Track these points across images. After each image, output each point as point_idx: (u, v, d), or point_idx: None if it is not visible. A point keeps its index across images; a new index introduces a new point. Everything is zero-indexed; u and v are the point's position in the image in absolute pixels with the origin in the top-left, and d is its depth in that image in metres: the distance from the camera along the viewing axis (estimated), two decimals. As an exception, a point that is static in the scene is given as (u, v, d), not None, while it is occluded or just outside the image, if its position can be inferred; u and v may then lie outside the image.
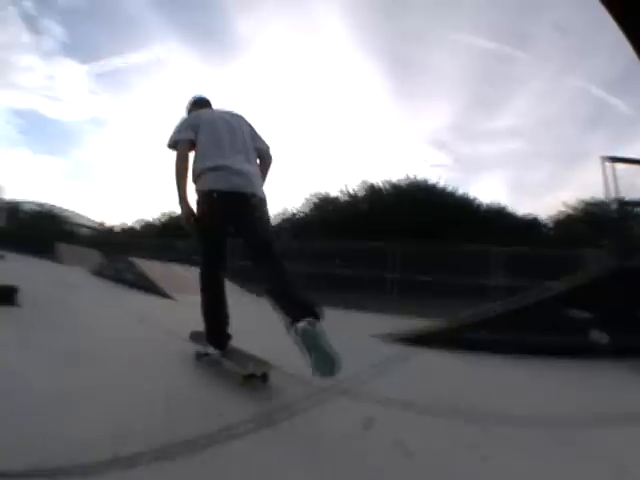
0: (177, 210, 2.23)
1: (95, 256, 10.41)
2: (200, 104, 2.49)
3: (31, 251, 11.85)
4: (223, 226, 2.11)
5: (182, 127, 2.21)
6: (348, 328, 3.82)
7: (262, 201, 2.14)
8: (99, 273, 7.59)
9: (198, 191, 2.09)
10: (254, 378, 1.86)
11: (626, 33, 1.68)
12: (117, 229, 21.70)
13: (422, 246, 8.96)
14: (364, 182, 13.90)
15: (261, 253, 2.04)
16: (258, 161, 2.28)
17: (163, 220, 19.26)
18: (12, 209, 17.75)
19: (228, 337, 2.15)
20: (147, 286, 5.94)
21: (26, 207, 18.48)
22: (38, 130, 34.80)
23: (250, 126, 2.33)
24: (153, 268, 6.75)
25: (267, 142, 2.37)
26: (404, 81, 29.87)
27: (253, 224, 2.07)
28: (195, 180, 2.12)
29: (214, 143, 2.11)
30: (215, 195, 2.02)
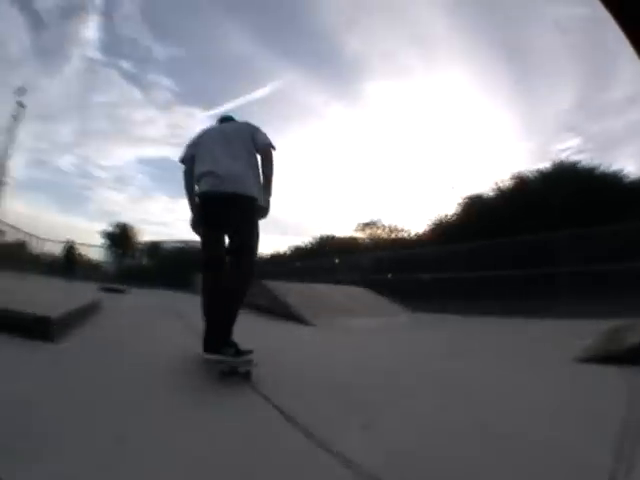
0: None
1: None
2: (220, 121, 2.68)
3: (172, 285, 13.16)
4: (212, 227, 2.30)
5: (187, 145, 2.54)
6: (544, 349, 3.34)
7: (246, 199, 2.24)
8: None
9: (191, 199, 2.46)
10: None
11: (623, 28, 1.49)
12: (266, 256, 21.67)
13: (594, 232, 7.25)
14: (512, 174, 12.85)
15: (233, 251, 2.25)
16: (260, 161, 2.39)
17: (312, 243, 19.60)
18: (152, 248, 19.49)
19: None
20: (282, 311, 5.49)
21: (167, 246, 19.82)
22: (171, 175, 40.50)
23: (253, 131, 2.43)
24: (290, 290, 6.27)
25: (267, 140, 2.42)
26: (517, 70, 28.68)
27: (229, 220, 2.24)
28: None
29: (207, 154, 2.34)
30: (199, 198, 2.32)
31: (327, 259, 15.26)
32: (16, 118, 23.90)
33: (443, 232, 13.18)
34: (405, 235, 18.12)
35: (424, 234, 15.84)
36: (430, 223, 15.20)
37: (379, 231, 20.85)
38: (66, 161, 51.11)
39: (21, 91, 24.72)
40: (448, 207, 15.78)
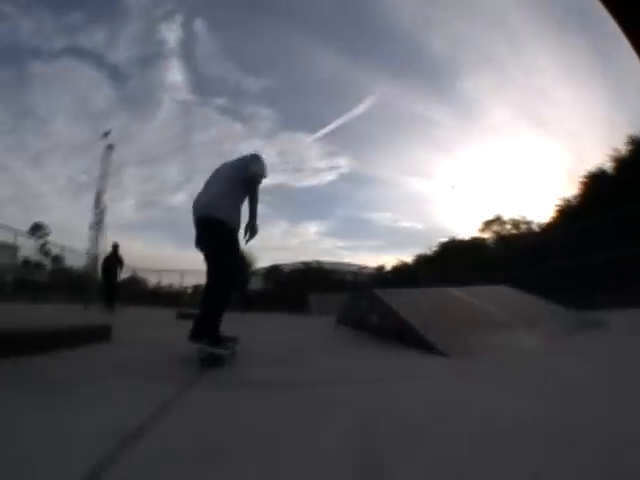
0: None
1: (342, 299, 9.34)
2: None
3: (290, 308, 12.90)
4: (198, 245, 2.83)
5: None
6: None
7: (219, 224, 2.67)
8: (342, 319, 5.98)
9: None
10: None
11: (623, 28, 1.42)
12: (388, 267, 21.41)
13: None
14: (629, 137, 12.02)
15: (207, 271, 2.74)
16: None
17: (436, 249, 18.82)
18: (270, 272, 19.81)
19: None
20: (395, 331, 3.69)
21: (286, 268, 20.20)
22: (289, 201, 42.76)
23: (248, 161, 2.86)
24: (409, 301, 4.39)
25: (254, 168, 2.80)
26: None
27: (204, 242, 2.78)
28: None
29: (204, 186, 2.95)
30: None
31: (450, 264, 13.81)
32: (105, 159, 27.85)
33: (570, 216, 12.32)
34: (532, 226, 17.04)
35: (551, 222, 14.85)
36: (555, 209, 14.42)
37: (505, 226, 19.43)
38: (178, 199, 58.75)
39: (107, 134, 28.77)
40: (568, 191, 15.66)
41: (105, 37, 47.14)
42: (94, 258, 20.66)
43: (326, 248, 48.19)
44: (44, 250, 20.00)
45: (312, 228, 47.36)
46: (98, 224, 25.44)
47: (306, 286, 14.92)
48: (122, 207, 48.81)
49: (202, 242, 2.78)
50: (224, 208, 2.70)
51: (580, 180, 13.33)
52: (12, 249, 14.07)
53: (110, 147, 28.58)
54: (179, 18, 44.55)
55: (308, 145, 45.78)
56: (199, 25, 45.56)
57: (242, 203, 2.84)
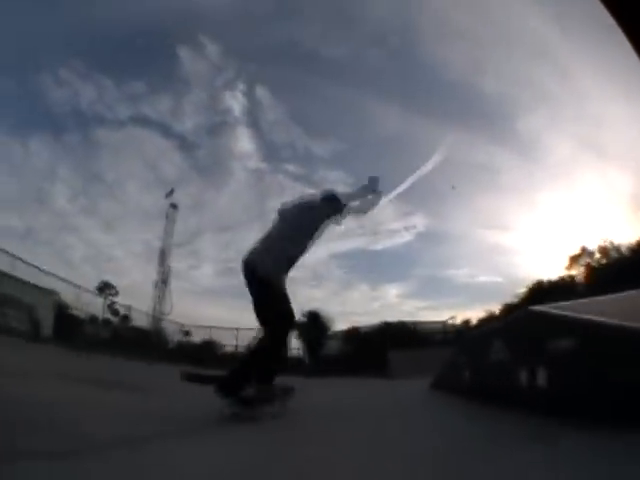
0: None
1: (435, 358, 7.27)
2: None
3: (365, 370, 11.62)
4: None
5: None
6: None
7: (265, 278, 2.77)
8: (438, 384, 4.85)
9: None
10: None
11: (622, 27, 1.41)
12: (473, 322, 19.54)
13: None
14: None
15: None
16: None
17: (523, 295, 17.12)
18: (349, 335, 18.25)
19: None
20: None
21: (365, 330, 18.57)
22: (367, 265, 41.83)
23: (299, 211, 3.02)
24: None
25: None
26: None
27: (254, 294, 2.84)
28: None
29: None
30: None
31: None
32: (170, 218, 28.65)
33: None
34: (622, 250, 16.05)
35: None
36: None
37: (594, 257, 17.94)
38: None
39: (170, 193, 29.77)
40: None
41: (169, 106, 53.93)
42: (158, 317, 20.73)
43: (407, 310, 45.16)
44: (112, 309, 21.36)
45: (392, 290, 45.58)
46: (163, 283, 26.13)
47: (386, 346, 13.27)
48: (201, 274, 52.27)
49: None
50: (271, 265, 2.92)
51: None
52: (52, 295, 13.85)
53: (174, 206, 29.68)
54: (240, 86, 49.68)
55: (382, 206, 46.00)
56: (261, 92, 50.73)
57: None
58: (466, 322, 19.08)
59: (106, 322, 18.48)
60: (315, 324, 17.40)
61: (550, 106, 36.47)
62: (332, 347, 17.28)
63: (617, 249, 16.82)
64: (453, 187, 21.50)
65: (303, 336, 17.21)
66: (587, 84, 31.43)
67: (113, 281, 27.96)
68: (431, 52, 42.85)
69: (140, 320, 19.38)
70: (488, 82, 38.78)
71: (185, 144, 54.44)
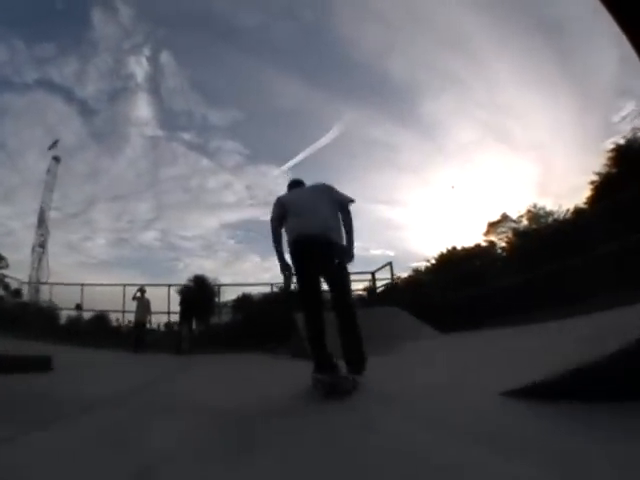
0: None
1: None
2: (291, 185, 3.33)
3: (262, 344, 10.23)
4: (307, 267, 2.78)
5: (273, 209, 3.02)
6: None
7: (334, 244, 2.82)
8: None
9: (288, 247, 2.91)
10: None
11: (622, 27, 1.42)
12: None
13: None
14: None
15: (333, 291, 2.84)
16: (340, 215, 2.95)
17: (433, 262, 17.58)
18: (239, 302, 15.76)
19: (329, 361, 2.56)
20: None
21: (257, 297, 16.00)
22: (258, 235, 40.85)
23: (329, 191, 3.00)
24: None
25: (347, 197, 3.01)
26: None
27: (325, 263, 2.80)
28: (288, 242, 2.91)
29: (295, 215, 2.90)
30: (293, 243, 2.84)
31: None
32: (51, 172, 25.09)
33: (606, 191, 10.97)
34: (558, 216, 15.45)
35: (586, 203, 13.65)
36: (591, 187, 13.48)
37: (520, 223, 17.86)
38: (149, 236, 55.98)
39: (54, 144, 26.13)
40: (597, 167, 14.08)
41: (75, 70, 46.39)
42: (36, 286, 17.55)
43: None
44: (2, 282, 18.06)
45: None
46: (41, 246, 21.73)
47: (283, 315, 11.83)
48: (94, 245, 46.14)
49: (318, 262, 2.78)
50: (339, 233, 2.91)
51: (608, 154, 13.27)
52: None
53: (56, 159, 25.98)
54: (146, 51, 44.81)
55: (276, 178, 46.03)
56: (166, 58, 46.04)
57: None
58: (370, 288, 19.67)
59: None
60: (204, 290, 15.79)
61: (458, 91, 39.87)
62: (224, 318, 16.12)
63: (550, 214, 16.28)
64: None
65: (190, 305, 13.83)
66: (498, 73, 34.68)
67: (9, 255, 22.91)
68: (342, 30, 43.13)
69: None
70: (396, 64, 40.42)
71: (85, 109, 47.02)
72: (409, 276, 18.75)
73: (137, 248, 47.81)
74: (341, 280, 2.88)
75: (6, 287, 17.79)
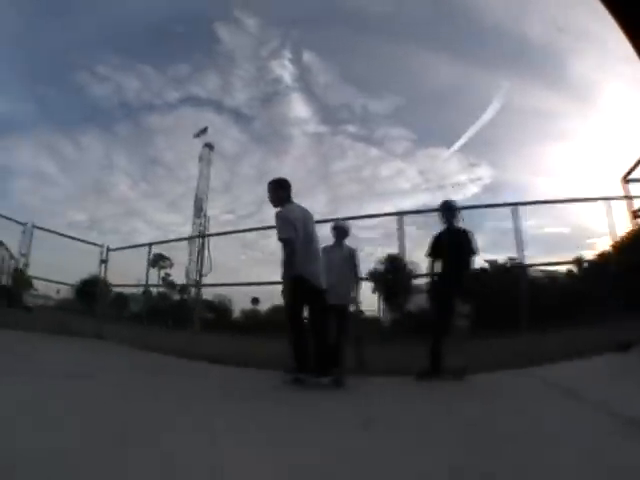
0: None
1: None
2: (287, 187, 3.49)
3: None
4: (302, 299, 3.28)
5: (289, 226, 3.19)
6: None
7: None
8: None
9: (293, 274, 3.21)
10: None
11: (622, 27, 1.41)
12: None
13: None
14: None
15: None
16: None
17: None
18: None
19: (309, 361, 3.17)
20: None
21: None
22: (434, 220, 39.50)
23: (313, 222, 3.55)
24: None
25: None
26: None
27: (320, 304, 3.34)
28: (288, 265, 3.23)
29: (306, 249, 3.25)
30: (307, 284, 3.24)
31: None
32: (204, 159, 24.96)
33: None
34: None
35: None
36: None
37: None
38: (327, 229, 56.34)
39: (203, 131, 25.85)
40: None
41: (218, 83, 51.84)
42: (193, 278, 17.07)
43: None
44: (167, 281, 19.41)
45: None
46: (201, 237, 22.84)
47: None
48: (269, 242, 51.12)
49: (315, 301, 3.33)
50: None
51: None
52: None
53: (209, 146, 25.93)
54: (287, 54, 47.47)
55: (447, 159, 43.81)
56: (308, 57, 47.89)
57: None
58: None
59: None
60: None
61: (596, 48, 32.75)
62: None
63: None
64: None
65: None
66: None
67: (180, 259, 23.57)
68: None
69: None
70: (532, 27, 35.19)
71: (240, 117, 52.04)
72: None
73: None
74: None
75: (171, 285, 19.10)
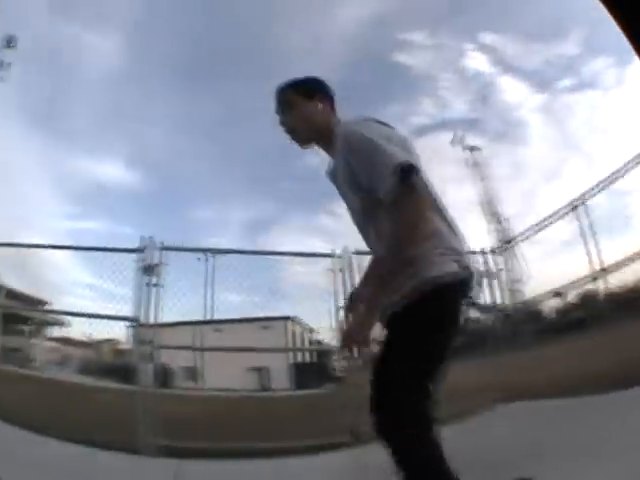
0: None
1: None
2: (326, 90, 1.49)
3: None
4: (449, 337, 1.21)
5: (394, 147, 1.17)
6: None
7: None
8: None
9: (422, 281, 1.14)
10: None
11: (622, 28, 1.27)
12: None
13: None
14: None
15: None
16: None
17: None
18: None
19: None
20: None
21: None
22: None
23: None
24: None
25: None
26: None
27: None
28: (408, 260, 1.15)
29: (438, 208, 1.26)
30: (453, 287, 1.17)
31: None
32: (473, 162, 23.59)
33: None
34: None
35: None
36: None
37: None
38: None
39: (461, 137, 24.25)
40: None
41: (430, 104, 47.34)
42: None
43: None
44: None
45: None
46: (505, 243, 18.59)
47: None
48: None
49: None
50: None
51: None
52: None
53: (474, 148, 24.31)
54: (469, 45, 41.20)
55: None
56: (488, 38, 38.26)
57: None
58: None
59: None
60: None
61: None
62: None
63: None
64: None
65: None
66: None
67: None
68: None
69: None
70: None
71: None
72: None
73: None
74: None
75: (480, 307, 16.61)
